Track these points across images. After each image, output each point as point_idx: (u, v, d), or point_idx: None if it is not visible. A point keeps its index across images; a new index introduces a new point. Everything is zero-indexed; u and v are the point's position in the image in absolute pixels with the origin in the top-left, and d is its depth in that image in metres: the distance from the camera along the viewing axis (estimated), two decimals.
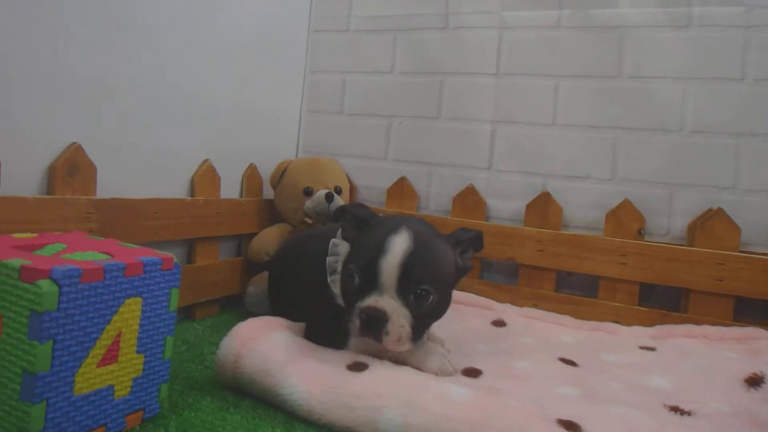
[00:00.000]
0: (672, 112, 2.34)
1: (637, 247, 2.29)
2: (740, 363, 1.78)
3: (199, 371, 1.68)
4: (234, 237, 2.47)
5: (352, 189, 2.81)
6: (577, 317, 2.30)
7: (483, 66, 2.63)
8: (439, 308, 1.63)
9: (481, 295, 2.45)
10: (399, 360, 1.57)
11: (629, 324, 2.23)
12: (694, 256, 2.20)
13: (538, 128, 2.53)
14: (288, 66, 2.88)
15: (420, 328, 1.59)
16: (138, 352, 1.27)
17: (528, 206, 2.50)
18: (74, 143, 1.70)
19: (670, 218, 2.34)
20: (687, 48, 2.32)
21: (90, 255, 1.26)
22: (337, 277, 1.70)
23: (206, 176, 2.22)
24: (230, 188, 2.41)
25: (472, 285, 2.52)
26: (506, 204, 2.58)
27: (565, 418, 1.30)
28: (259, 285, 2.33)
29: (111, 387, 1.21)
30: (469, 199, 2.59)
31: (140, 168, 1.98)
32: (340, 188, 2.51)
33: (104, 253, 1.29)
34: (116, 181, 1.85)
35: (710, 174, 2.28)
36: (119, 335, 1.21)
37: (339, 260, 1.72)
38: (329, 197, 2.37)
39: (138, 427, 1.30)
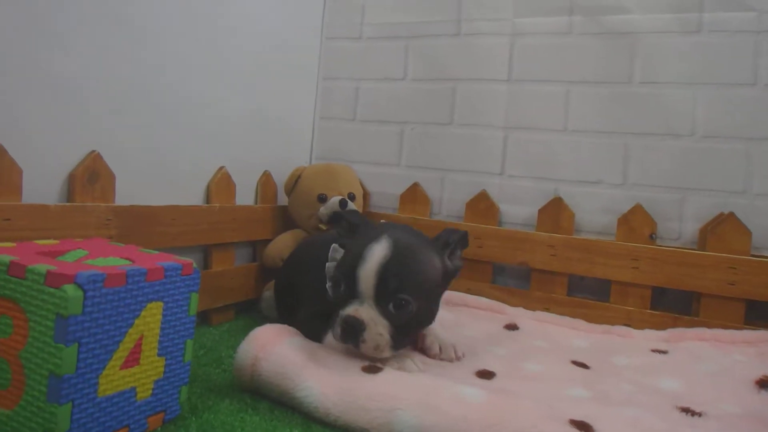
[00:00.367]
0: (683, 118, 2.34)
1: (648, 252, 2.30)
2: (751, 366, 1.80)
3: (217, 374, 1.69)
4: (249, 243, 2.49)
5: (366, 195, 2.82)
6: (589, 321, 2.31)
7: (495, 72, 2.65)
8: (422, 316, 1.67)
9: (493, 300, 2.46)
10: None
11: (641, 327, 2.24)
12: (705, 260, 2.22)
13: (550, 134, 2.54)
14: (301, 74, 2.90)
15: (401, 335, 1.62)
16: (159, 355, 1.29)
17: (540, 211, 2.51)
18: (93, 151, 1.72)
19: (681, 223, 2.35)
20: (698, 53, 2.33)
21: (112, 261, 1.28)
22: None
23: (222, 183, 2.23)
24: (245, 195, 2.43)
25: (485, 289, 2.54)
26: (519, 209, 2.59)
27: (577, 418, 1.31)
28: (274, 290, 2.34)
29: (133, 389, 1.23)
30: (481, 205, 2.60)
31: (158, 175, 2.00)
32: (354, 195, 2.52)
33: (125, 258, 1.31)
34: (134, 188, 1.87)
35: (721, 178, 2.29)
36: (141, 338, 1.23)
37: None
38: (343, 204, 2.39)
39: (159, 428, 1.32)
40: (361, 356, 1.60)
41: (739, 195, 2.26)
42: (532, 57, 2.59)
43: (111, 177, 1.77)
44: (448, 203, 2.72)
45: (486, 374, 1.70)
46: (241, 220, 2.30)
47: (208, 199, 2.20)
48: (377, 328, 1.57)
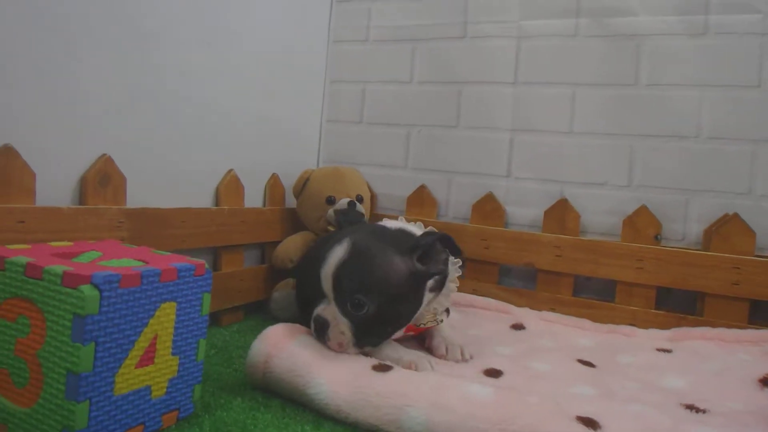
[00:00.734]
0: (688, 119, 2.36)
1: (653, 252, 2.32)
2: (755, 364, 1.81)
3: (229, 374, 1.71)
4: (258, 245, 2.50)
5: (373, 197, 2.83)
6: (594, 321, 2.32)
7: (501, 75, 2.66)
8: (386, 316, 1.67)
9: (499, 300, 2.48)
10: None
11: (646, 327, 2.26)
12: (709, 261, 2.23)
13: (556, 136, 2.56)
14: (308, 77, 2.91)
15: (365, 334, 1.66)
16: (173, 354, 1.30)
17: (546, 213, 2.53)
18: (104, 155, 1.73)
19: (686, 224, 2.36)
20: (703, 55, 2.34)
21: (125, 262, 1.29)
22: None
23: (231, 186, 2.25)
24: (254, 198, 2.45)
25: (492, 290, 2.56)
26: (525, 211, 2.60)
27: (583, 415, 1.33)
28: (283, 291, 2.36)
29: (148, 387, 1.25)
30: (488, 207, 2.62)
31: (168, 178, 2.01)
32: (362, 197, 2.53)
33: (139, 260, 1.33)
34: (145, 191, 1.88)
35: (726, 180, 2.30)
36: (155, 338, 1.25)
37: None
38: (351, 206, 2.40)
39: (174, 426, 1.34)
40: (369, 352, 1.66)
41: (743, 196, 2.28)
42: (538, 59, 2.61)
43: (122, 180, 1.78)
44: (455, 205, 2.73)
45: (493, 373, 1.72)
46: (249, 222, 2.32)
47: (217, 201, 2.21)
48: (339, 326, 1.64)
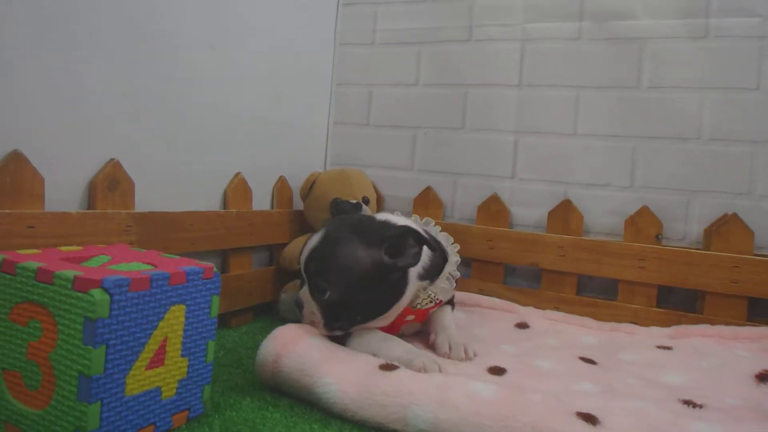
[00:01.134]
0: (689, 121, 2.37)
1: (654, 252, 2.34)
2: (753, 360, 1.84)
3: (238, 374, 1.73)
4: (266, 247, 2.51)
5: (380, 199, 2.85)
6: (597, 319, 2.34)
7: (506, 77, 2.67)
8: (348, 303, 1.74)
9: (505, 299, 2.49)
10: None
11: (647, 325, 2.28)
12: (709, 260, 2.26)
13: (560, 138, 2.57)
14: (315, 79, 2.92)
15: (332, 317, 1.76)
16: (183, 355, 1.32)
17: (550, 214, 2.54)
18: (112, 159, 1.75)
19: (686, 224, 2.38)
20: (704, 58, 2.36)
21: (134, 266, 1.31)
22: None
23: (238, 189, 2.26)
24: (261, 200, 2.45)
25: (497, 289, 2.58)
26: (529, 212, 2.62)
27: (584, 411, 1.35)
28: (291, 292, 2.35)
29: (159, 388, 1.27)
30: (493, 208, 2.63)
31: (175, 182, 2.02)
32: (368, 198, 2.54)
33: (148, 263, 1.34)
34: (153, 195, 1.89)
35: (726, 181, 2.32)
36: (165, 340, 1.26)
37: None
38: (357, 207, 2.37)
39: (184, 425, 1.35)
40: (376, 352, 1.68)
41: (743, 196, 2.30)
42: (543, 62, 2.62)
43: (130, 184, 1.80)
44: (461, 206, 2.75)
45: (497, 371, 1.74)
46: (257, 224, 2.33)
47: (225, 204, 2.23)
48: (310, 307, 1.78)
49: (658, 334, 2.19)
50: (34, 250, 1.35)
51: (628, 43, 2.47)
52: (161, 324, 1.25)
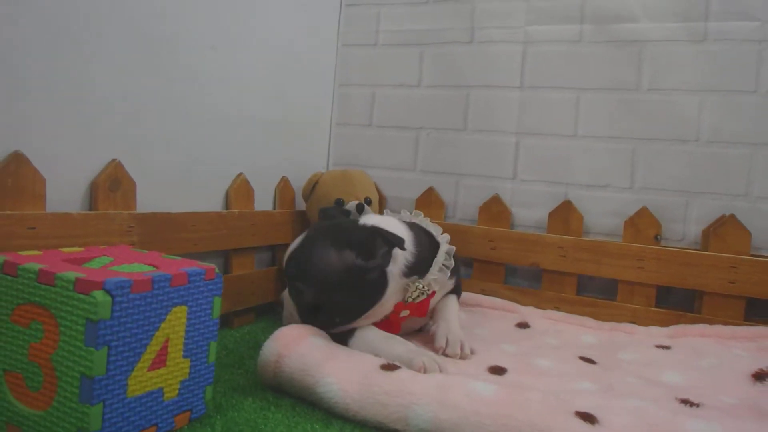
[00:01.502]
0: (689, 124, 2.39)
1: (653, 252, 2.35)
2: (749, 360, 1.85)
3: (240, 375, 1.73)
4: (268, 247, 2.52)
5: (382, 200, 2.85)
6: (597, 319, 2.36)
7: (507, 79, 2.68)
8: (321, 305, 1.79)
9: (506, 299, 2.50)
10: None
11: (646, 325, 2.30)
12: (707, 260, 2.27)
13: (561, 139, 2.58)
14: (318, 80, 2.92)
15: (309, 319, 1.80)
16: (185, 356, 1.33)
17: (551, 214, 2.56)
18: (114, 160, 1.75)
19: (685, 224, 2.39)
20: (703, 61, 2.37)
21: (136, 267, 1.31)
22: None
23: (241, 189, 2.27)
24: (264, 200, 2.46)
25: (498, 289, 2.59)
26: (530, 212, 2.63)
27: (582, 410, 1.36)
28: None
29: (161, 389, 1.27)
30: (494, 208, 2.65)
31: (177, 182, 2.02)
32: (370, 199, 2.54)
33: (149, 265, 1.35)
34: (155, 195, 1.89)
35: (724, 182, 2.34)
36: (167, 341, 1.27)
37: None
38: (360, 208, 2.41)
39: (186, 426, 1.36)
40: (377, 352, 1.69)
41: (741, 198, 2.31)
42: (544, 64, 2.63)
43: (132, 185, 1.80)
44: (463, 207, 2.76)
45: (498, 370, 1.76)
46: (260, 225, 2.34)
47: (227, 205, 2.23)
48: (289, 307, 1.87)
49: (657, 333, 2.20)
50: (36, 252, 1.35)
51: (628, 45, 2.48)
52: (163, 325, 1.26)
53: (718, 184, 2.35)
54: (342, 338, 1.78)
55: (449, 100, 2.79)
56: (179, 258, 1.47)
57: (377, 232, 1.77)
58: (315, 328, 1.76)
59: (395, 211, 2.19)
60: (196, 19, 2.06)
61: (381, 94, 2.95)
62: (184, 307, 1.31)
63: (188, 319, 1.33)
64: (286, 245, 2.31)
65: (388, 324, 1.89)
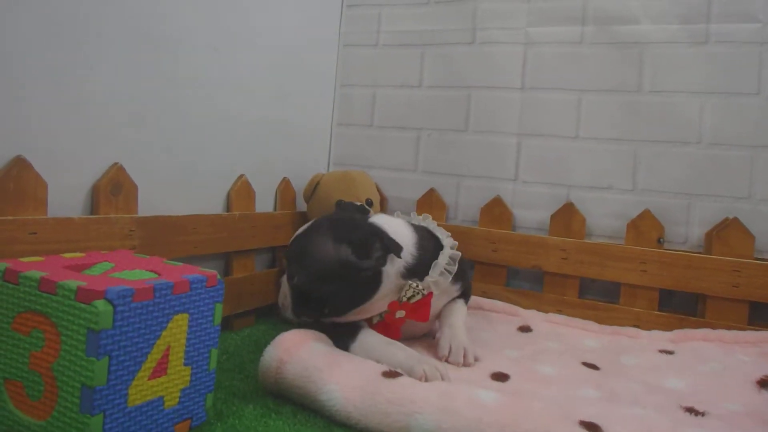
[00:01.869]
0: (690, 126, 2.38)
1: (656, 255, 2.35)
2: (753, 365, 1.85)
3: (241, 380, 1.72)
4: (269, 249, 2.51)
5: (383, 201, 2.85)
6: (599, 322, 2.35)
7: (509, 80, 2.68)
8: (311, 292, 1.81)
9: (507, 302, 2.50)
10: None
11: (649, 328, 2.29)
12: (710, 264, 2.27)
13: (562, 141, 2.58)
14: (319, 81, 2.92)
15: (300, 305, 1.85)
16: (185, 364, 1.32)
17: (552, 216, 2.56)
18: (116, 163, 1.74)
19: (688, 227, 2.39)
20: (705, 63, 2.37)
21: (138, 274, 1.31)
22: None
23: (242, 191, 2.26)
24: (265, 202, 2.46)
25: (500, 292, 2.59)
26: (532, 214, 2.63)
27: (586, 419, 1.35)
28: None
29: (161, 398, 1.26)
30: (496, 210, 2.64)
31: (179, 185, 2.02)
32: (371, 200, 2.54)
33: (151, 271, 1.34)
34: (157, 198, 1.89)
35: (727, 185, 2.33)
36: (168, 349, 1.26)
37: None
38: (361, 209, 2.39)
39: None
40: (379, 359, 1.67)
41: (743, 200, 2.31)
42: (545, 66, 2.63)
43: (134, 188, 1.79)
44: (464, 208, 2.76)
45: (500, 376, 1.75)
46: (261, 226, 2.33)
47: (228, 207, 2.23)
48: (284, 288, 1.93)
49: (659, 337, 2.20)
50: (37, 258, 1.35)
51: (630, 47, 2.48)
52: (164, 333, 1.25)
53: (721, 186, 2.35)
54: (343, 344, 1.77)
55: (450, 101, 2.79)
56: (181, 264, 1.46)
57: (378, 234, 1.78)
58: (317, 333, 1.76)
59: (405, 213, 2.19)
60: (198, 20, 2.05)
61: (382, 95, 2.94)
62: (186, 315, 1.31)
63: (189, 326, 1.32)
64: (287, 247, 2.32)
65: (386, 327, 1.89)
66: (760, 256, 2.27)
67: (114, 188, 1.72)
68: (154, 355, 1.23)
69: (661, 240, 2.38)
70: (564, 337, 2.21)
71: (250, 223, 2.28)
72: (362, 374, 1.53)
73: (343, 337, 1.79)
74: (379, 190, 2.80)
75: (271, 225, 2.42)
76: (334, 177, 2.57)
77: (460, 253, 2.00)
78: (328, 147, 3.01)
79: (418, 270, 1.89)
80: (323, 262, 1.76)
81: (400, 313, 1.90)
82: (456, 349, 1.87)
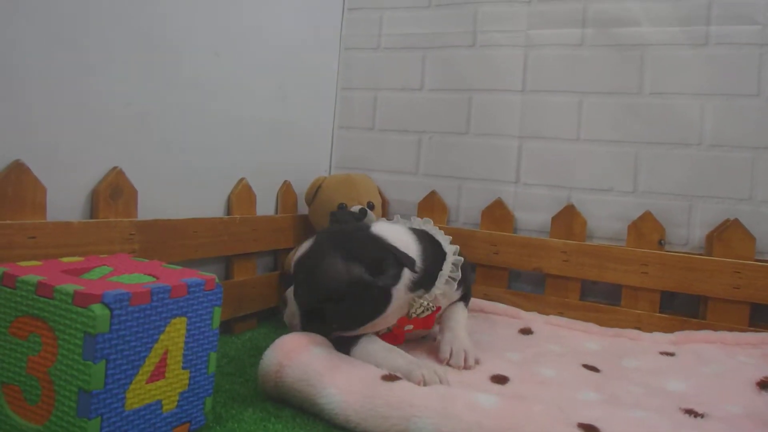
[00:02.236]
0: (691, 127, 2.39)
1: (657, 257, 2.35)
2: (754, 367, 1.84)
3: (241, 384, 1.72)
4: (270, 252, 2.51)
5: (384, 203, 2.85)
6: (600, 324, 2.35)
7: (509, 83, 2.69)
8: (322, 311, 1.77)
9: (509, 304, 2.50)
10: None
11: (650, 330, 2.30)
12: (711, 265, 2.27)
13: (563, 143, 2.58)
14: (320, 84, 2.92)
15: (309, 323, 1.81)
16: (184, 368, 1.32)
17: (554, 218, 2.56)
18: (115, 167, 1.74)
19: (689, 229, 2.39)
20: (705, 65, 2.37)
21: (136, 277, 1.31)
22: None
23: (243, 195, 2.26)
24: (266, 205, 2.46)
25: (501, 294, 2.59)
26: (533, 216, 2.63)
27: (585, 421, 1.35)
28: None
29: (159, 402, 1.26)
30: (497, 212, 2.65)
31: (179, 189, 2.02)
32: (373, 203, 2.54)
33: (149, 275, 1.34)
34: (156, 202, 1.89)
35: (727, 186, 2.34)
36: (166, 353, 1.26)
37: None
38: (362, 212, 2.41)
39: None
40: (379, 363, 1.66)
41: (744, 202, 2.31)
42: (546, 68, 2.63)
43: (133, 192, 1.79)
44: (465, 211, 2.76)
45: (500, 379, 1.75)
46: (262, 230, 2.33)
47: (229, 210, 2.23)
48: (292, 307, 1.87)
49: (661, 339, 2.20)
50: (35, 262, 1.35)
51: (630, 49, 2.49)
52: (162, 337, 1.25)
53: (722, 188, 2.35)
54: (344, 347, 1.77)
55: (451, 104, 2.79)
56: (179, 268, 1.46)
57: (390, 250, 1.77)
58: (317, 337, 1.76)
59: (405, 217, 2.19)
60: (199, 23, 2.05)
61: (383, 98, 2.94)
62: (184, 319, 1.30)
63: (188, 330, 1.32)
64: (289, 250, 2.34)
65: (392, 335, 1.89)
66: (761, 258, 2.27)
67: (114, 192, 1.72)
68: (152, 359, 1.23)
69: (662, 242, 2.38)
70: (565, 340, 2.20)
71: (251, 226, 2.28)
72: (362, 378, 1.54)
73: (344, 341, 1.79)
74: (380, 193, 2.79)
75: (273, 228, 2.42)
76: (336, 180, 2.57)
77: (462, 259, 1.99)
78: (329, 150, 3.01)
79: (424, 281, 1.86)
80: (336, 282, 1.71)
81: (409, 327, 1.91)
82: (457, 352, 1.87)
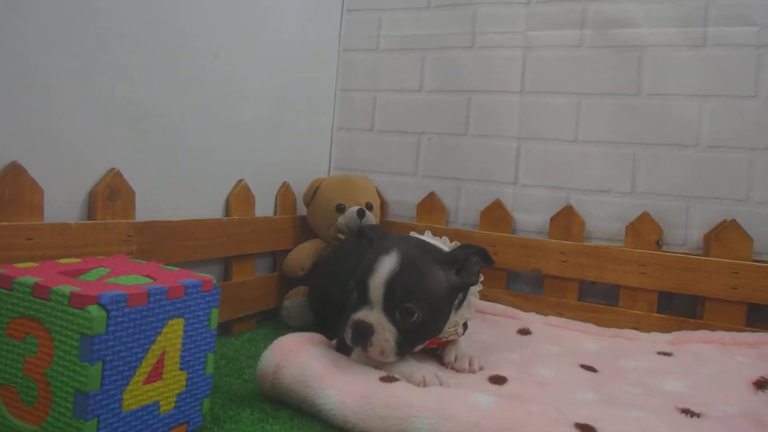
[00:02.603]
0: (689, 128, 2.39)
1: (655, 258, 2.35)
2: (751, 367, 1.84)
3: (239, 384, 1.73)
4: (269, 253, 2.51)
5: (383, 204, 2.85)
6: (599, 325, 2.35)
7: (508, 84, 2.69)
8: (428, 325, 1.71)
9: (507, 305, 2.51)
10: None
11: (648, 331, 2.30)
12: (709, 266, 2.27)
13: (562, 144, 2.59)
14: (319, 85, 2.92)
15: (406, 342, 1.68)
16: (181, 369, 1.32)
17: (552, 219, 2.56)
18: (113, 169, 1.74)
19: (686, 229, 2.39)
20: (703, 66, 2.37)
21: (133, 279, 1.31)
22: None
23: (241, 196, 2.26)
24: (264, 206, 2.46)
25: (500, 295, 2.59)
26: (531, 217, 2.63)
27: (582, 422, 1.36)
28: (294, 299, 2.40)
29: (157, 403, 1.27)
30: (496, 213, 2.65)
31: (177, 190, 2.01)
32: (372, 204, 2.55)
33: (146, 276, 1.34)
34: (154, 204, 1.89)
35: (725, 187, 2.34)
36: (163, 354, 1.26)
37: None
38: (361, 213, 2.42)
39: None
40: (378, 365, 1.66)
41: (742, 203, 2.31)
42: (544, 69, 2.63)
43: (131, 193, 1.79)
44: (464, 212, 2.76)
45: (498, 380, 1.75)
46: (260, 231, 2.33)
47: (227, 211, 2.22)
48: (384, 333, 1.65)
49: (658, 339, 2.20)
50: (32, 264, 1.35)
51: (629, 50, 2.49)
52: (159, 338, 1.25)
53: (719, 188, 2.35)
54: (345, 349, 1.77)
55: (450, 105, 2.80)
56: (177, 269, 1.46)
57: (476, 250, 1.79)
58: (314, 337, 1.77)
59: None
60: (198, 25, 2.06)
61: (382, 99, 2.94)
62: (181, 320, 1.31)
63: (185, 331, 1.32)
64: (288, 251, 2.35)
65: None
66: (758, 258, 2.27)
67: (111, 194, 1.72)
68: (149, 360, 1.24)
69: (660, 242, 2.38)
70: (563, 340, 2.20)
71: (250, 227, 2.28)
72: (360, 379, 1.54)
73: (345, 343, 1.77)
74: (379, 194, 2.79)
75: (271, 229, 2.42)
76: (334, 181, 2.57)
77: (481, 286, 1.95)
78: (328, 151, 3.01)
79: (461, 297, 1.87)
80: (440, 291, 1.72)
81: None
82: (461, 357, 1.87)
